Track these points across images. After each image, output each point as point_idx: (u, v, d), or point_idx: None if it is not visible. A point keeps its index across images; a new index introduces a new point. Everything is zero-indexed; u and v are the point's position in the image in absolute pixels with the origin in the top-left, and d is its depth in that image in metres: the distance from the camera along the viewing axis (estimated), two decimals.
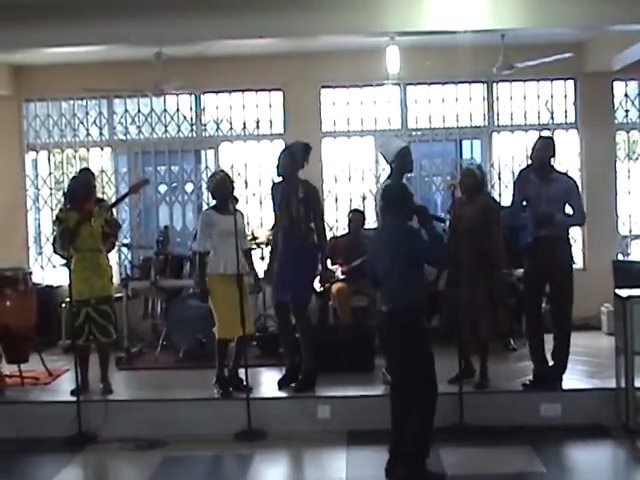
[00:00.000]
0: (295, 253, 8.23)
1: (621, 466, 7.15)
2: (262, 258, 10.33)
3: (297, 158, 8.25)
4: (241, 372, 8.16)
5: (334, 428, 7.75)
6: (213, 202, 8.48)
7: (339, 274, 10.33)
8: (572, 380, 8.23)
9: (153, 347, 10.11)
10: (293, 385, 8.29)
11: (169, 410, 8.05)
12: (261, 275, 8.94)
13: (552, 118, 11.85)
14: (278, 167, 8.32)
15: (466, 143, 12.29)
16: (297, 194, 8.18)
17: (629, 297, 7.53)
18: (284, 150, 8.45)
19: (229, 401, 8.12)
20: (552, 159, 8.05)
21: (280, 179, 8.40)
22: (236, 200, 8.14)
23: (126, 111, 12.00)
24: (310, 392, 8.18)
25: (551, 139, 8.17)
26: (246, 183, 11.87)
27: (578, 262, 11.70)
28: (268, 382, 8.53)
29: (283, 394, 8.25)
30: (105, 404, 8.09)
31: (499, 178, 11.79)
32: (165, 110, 11.95)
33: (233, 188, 8.40)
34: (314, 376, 8.29)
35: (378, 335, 6.90)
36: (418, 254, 6.46)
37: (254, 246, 10.40)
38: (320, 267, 8.40)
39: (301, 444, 7.54)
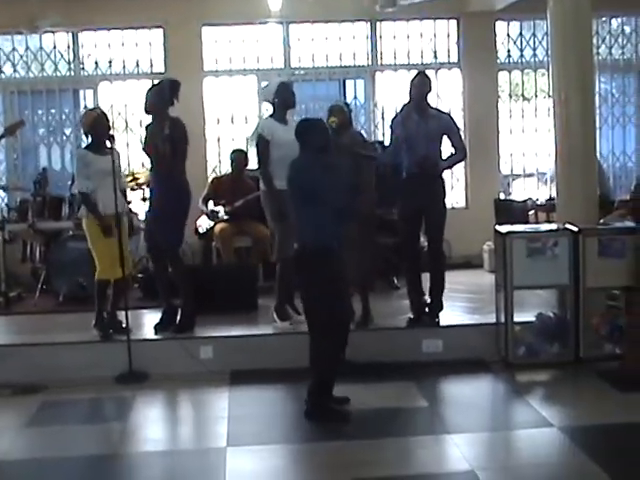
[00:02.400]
0: (161, 193, 8.07)
1: (500, 398, 7.26)
2: (144, 199, 10.13)
3: (164, 95, 8.01)
4: (121, 314, 7.99)
5: (217, 368, 7.67)
6: (88, 141, 8.23)
7: (222, 214, 10.21)
8: (453, 316, 8.30)
9: (33, 291, 9.84)
10: (172, 328, 8.15)
11: (48, 355, 7.85)
12: (142, 217, 8.78)
13: (435, 57, 11.89)
14: (145, 105, 8.09)
15: (349, 83, 12.18)
16: (163, 131, 7.96)
17: (508, 233, 7.62)
18: (151, 88, 8.21)
19: (109, 344, 7.99)
20: (428, 95, 8.03)
21: (150, 118, 8.19)
22: (113, 138, 7.92)
23: (0, 48, 11.58)
24: (190, 333, 8.09)
25: (426, 75, 8.13)
26: (126, 123, 11.61)
27: (460, 201, 11.88)
28: (150, 324, 8.36)
29: (164, 336, 8.11)
30: None
31: (382, 118, 11.76)
32: (41, 48, 11.56)
33: (109, 127, 8.18)
34: (193, 318, 8.18)
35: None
36: (319, 194, 6.34)
37: (135, 187, 10.23)
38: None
39: (183, 385, 7.46)
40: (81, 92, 11.93)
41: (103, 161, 7.83)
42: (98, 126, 8.01)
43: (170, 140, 7.93)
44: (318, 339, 6.47)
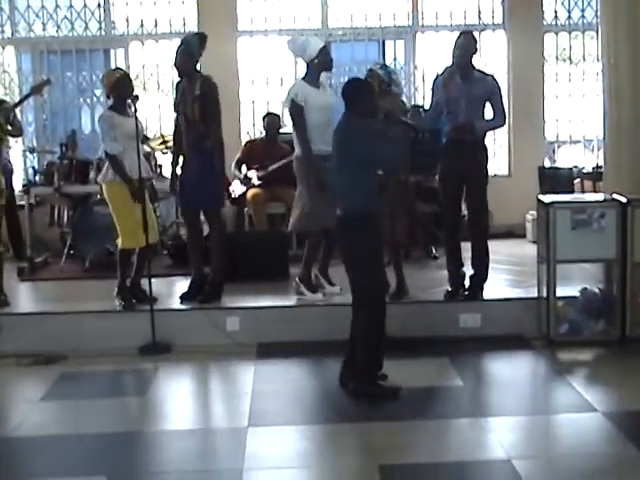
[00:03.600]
0: (197, 155, 7.70)
1: (540, 379, 6.84)
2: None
3: (193, 51, 7.66)
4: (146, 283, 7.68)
5: (243, 341, 7.38)
6: (110, 103, 7.87)
7: (255, 179, 9.88)
8: (493, 289, 7.90)
9: (61, 257, 9.56)
10: (198, 298, 7.84)
11: (69, 324, 7.58)
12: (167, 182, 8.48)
13: (479, 18, 11.41)
14: (176, 64, 7.73)
15: (389, 44, 11.72)
16: (194, 92, 7.62)
17: (552, 203, 7.17)
18: (178, 47, 7.78)
19: (133, 313, 7.69)
20: (474, 57, 7.61)
21: (179, 78, 7.84)
22: (137, 99, 7.57)
23: (29, 7, 11.25)
24: (216, 303, 7.77)
25: (472, 35, 7.71)
26: (158, 84, 11.30)
27: (503, 168, 11.46)
28: (178, 293, 8.02)
29: (189, 306, 7.80)
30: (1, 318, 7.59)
31: (423, 81, 11.33)
32: (71, 6, 11.23)
33: (132, 88, 7.82)
34: (221, 287, 7.87)
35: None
36: (368, 158, 5.99)
37: (165, 150, 9.92)
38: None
39: (208, 358, 7.14)
40: (112, 52, 11.57)
41: (129, 123, 7.49)
42: (121, 87, 7.66)
43: (201, 100, 7.58)
44: (364, 311, 6.09)
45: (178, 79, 7.87)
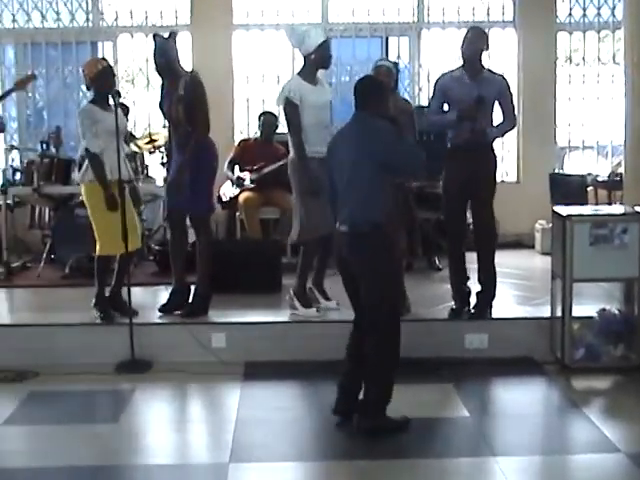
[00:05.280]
0: (183, 157, 7.11)
1: (554, 410, 6.17)
2: (162, 164, 9.22)
3: (166, 53, 7.09)
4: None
5: (230, 359, 6.80)
6: (92, 96, 7.29)
7: (248, 182, 9.31)
8: (501, 307, 7.31)
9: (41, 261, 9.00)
10: (179, 312, 7.24)
11: (42, 336, 7.02)
12: (160, 183, 7.91)
13: (488, 15, 10.81)
14: (155, 66, 7.21)
15: (392, 41, 11.13)
16: (177, 91, 7.04)
17: (569, 216, 6.55)
18: (153, 50, 7.21)
19: (111, 327, 7.10)
20: (483, 54, 7.03)
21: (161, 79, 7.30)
22: (118, 94, 6.99)
23: None
24: (202, 318, 7.18)
25: (483, 31, 7.14)
26: (148, 80, 10.69)
27: (511, 174, 10.91)
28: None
29: (172, 319, 7.20)
30: None
31: (428, 80, 10.71)
32: None
33: (114, 82, 7.25)
34: (207, 301, 7.28)
35: (336, 261, 5.79)
36: (392, 161, 5.40)
37: (152, 149, 9.36)
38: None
39: (190, 378, 6.55)
40: (99, 45, 10.99)
41: (110, 119, 6.88)
42: (103, 78, 7.07)
43: (185, 100, 7.01)
44: (377, 335, 5.44)
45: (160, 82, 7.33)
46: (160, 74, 7.23)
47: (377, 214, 5.39)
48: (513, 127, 7.34)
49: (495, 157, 7.21)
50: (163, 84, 7.28)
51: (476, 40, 6.97)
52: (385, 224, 5.42)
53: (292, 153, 7.11)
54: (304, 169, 6.96)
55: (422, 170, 5.67)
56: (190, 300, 7.27)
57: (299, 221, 7.11)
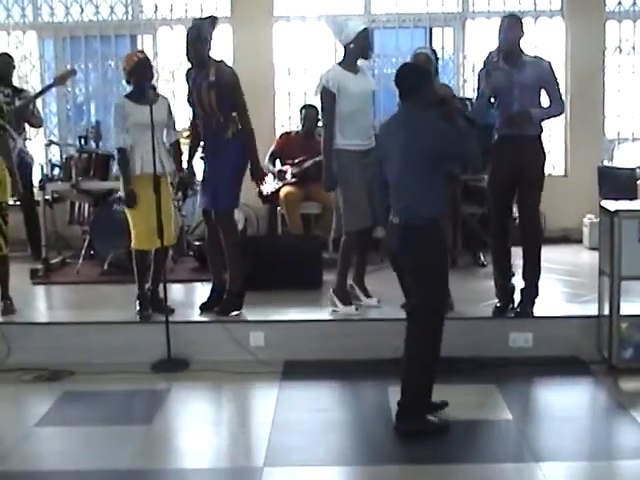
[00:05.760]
0: (213, 149, 7.02)
1: (601, 413, 5.95)
2: (201, 158, 9.06)
3: (204, 36, 6.88)
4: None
5: (268, 358, 6.68)
6: (130, 89, 7.19)
7: (289, 176, 9.17)
8: (546, 304, 7.08)
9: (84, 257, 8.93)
10: (215, 309, 7.11)
11: (79, 335, 6.92)
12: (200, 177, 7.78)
13: (535, 4, 10.53)
14: (187, 51, 6.96)
15: (437, 32, 10.89)
16: (208, 78, 6.88)
17: (617, 211, 6.31)
18: (188, 33, 7.01)
19: (147, 325, 6.99)
20: (521, 40, 6.81)
21: (191, 65, 7.11)
22: (154, 89, 6.88)
23: None
24: (238, 316, 7.04)
25: (518, 17, 6.91)
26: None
27: (558, 168, 10.63)
28: (201, 302, 7.30)
29: (210, 318, 7.07)
30: (3, 327, 6.92)
31: (473, 71, 10.48)
32: None
33: (152, 74, 7.14)
34: (240, 298, 7.12)
35: (387, 254, 5.61)
36: (447, 151, 5.26)
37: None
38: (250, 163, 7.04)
39: (226, 378, 6.42)
40: (139, 38, 10.86)
41: (142, 111, 6.76)
42: (138, 70, 6.98)
43: (218, 87, 6.85)
44: (419, 329, 5.30)
45: (189, 67, 7.15)
46: (190, 59, 7.02)
47: (431, 208, 5.26)
48: (561, 112, 7.02)
49: (543, 149, 6.94)
50: (188, 74, 7.13)
51: (511, 28, 6.74)
52: (438, 218, 5.29)
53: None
54: (325, 162, 6.86)
55: (477, 156, 5.45)
56: (224, 298, 7.14)
57: (340, 213, 7.00)
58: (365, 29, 6.98)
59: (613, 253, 6.26)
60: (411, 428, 5.29)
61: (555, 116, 7.10)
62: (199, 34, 6.85)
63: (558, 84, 6.90)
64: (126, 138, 6.97)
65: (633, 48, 10.65)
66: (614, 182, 9.40)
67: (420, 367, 5.31)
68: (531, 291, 6.96)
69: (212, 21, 6.93)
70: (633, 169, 9.64)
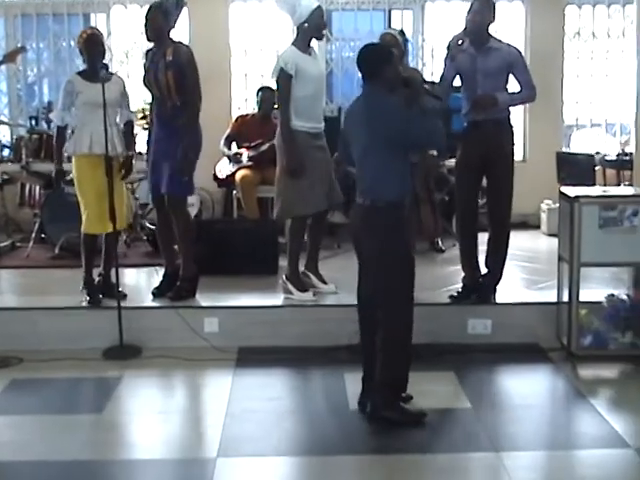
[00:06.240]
0: (167, 132, 6.80)
1: (560, 401, 5.86)
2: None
3: (168, 11, 6.70)
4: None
5: (222, 344, 6.56)
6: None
7: (245, 159, 9.01)
8: (506, 291, 7.01)
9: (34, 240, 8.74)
10: (168, 295, 6.96)
11: (27, 321, 6.76)
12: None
13: None
14: (146, 27, 6.77)
15: (396, 14, 10.76)
16: (165, 58, 6.70)
17: (577, 197, 6.23)
18: (151, 7, 6.82)
19: (98, 311, 6.83)
20: (490, 25, 6.66)
21: (150, 44, 6.93)
22: (106, 67, 6.70)
23: None
24: (191, 301, 6.90)
25: (490, 1, 6.73)
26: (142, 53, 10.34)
27: (517, 153, 10.48)
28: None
29: (163, 303, 6.91)
30: None
31: (432, 56, 10.39)
32: None
33: (104, 50, 6.94)
34: (193, 283, 6.99)
35: (351, 234, 5.51)
36: (405, 135, 5.10)
37: (146, 126, 9.02)
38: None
39: (180, 364, 6.29)
40: (92, 17, 10.64)
41: (95, 89, 6.57)
42: (89, 46, 6.81)
43: (175, 67, 6.66)
44: (388, 316, 5.16)
45: (148, 46, 6.96)
46: (151, 38, 6.82)
47: (392, 190, 5.14)
48: (533, 98, 6.87)
49: (512, 131, 6.83)
50: (147, 54, 6.96)
51: (480, 11, 6.59)
52: (400, 201, 5.17)
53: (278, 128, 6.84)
54: (287, 144, 6.70)
55: (440, 138, 5.30)
56: (177, 284, 6.99)
57: (283, 197, 6.83)
58: (319, 7, 6.81)
59: (573, 239, 6.18)
60: (384, 416, 5.19)
61: (527, 102, 7.02)
62: (162, 8, 6.66)
63: (528, 70, 6.77)
64: (65, 116, 6.86)
65: (592, 34, 10.59)
66: (572, 168, 9.34)
67: (392, 354, 5.18)
68: (495, 277, 6.88)
69: (178, 2, 6.75)
70: (591, 155, 9.61)
